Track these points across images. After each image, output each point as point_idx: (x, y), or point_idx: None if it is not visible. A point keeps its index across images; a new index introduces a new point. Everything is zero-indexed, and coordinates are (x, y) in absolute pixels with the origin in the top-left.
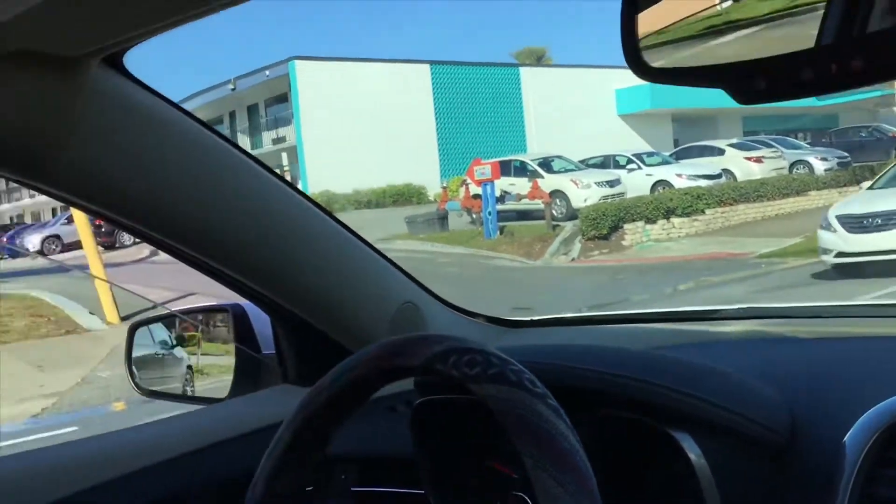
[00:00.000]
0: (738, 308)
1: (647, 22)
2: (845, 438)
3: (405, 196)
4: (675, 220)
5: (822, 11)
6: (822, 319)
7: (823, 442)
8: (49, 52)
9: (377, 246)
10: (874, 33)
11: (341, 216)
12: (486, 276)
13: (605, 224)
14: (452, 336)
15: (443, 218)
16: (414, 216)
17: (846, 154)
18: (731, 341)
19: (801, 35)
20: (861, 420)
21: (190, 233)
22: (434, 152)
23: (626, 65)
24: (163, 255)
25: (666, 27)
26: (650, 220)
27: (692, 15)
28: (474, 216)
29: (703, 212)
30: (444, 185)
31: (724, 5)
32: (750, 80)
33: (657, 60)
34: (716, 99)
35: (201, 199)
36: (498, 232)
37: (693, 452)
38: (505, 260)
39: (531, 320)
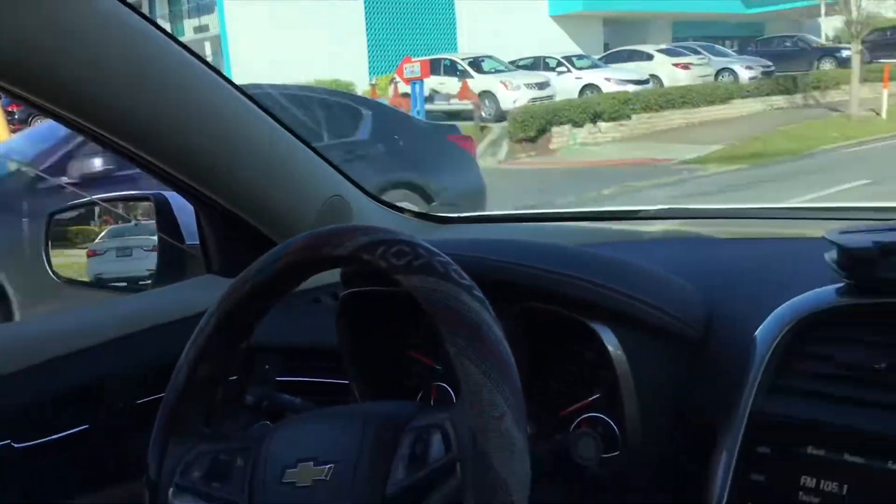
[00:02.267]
0: (660, 208)
1: None
2: (756, 332)
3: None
4: (602, 125)
5: None
6: (741, 221)
7: (736, 335)
8: None
9: None
10: None
11: None
12: None
13: (533, 126)
14: (381, 227)
15: None
16: None
17: (770, 63)
18: (653, 240)
19: None
20: (772, 315)
21: (113, 118)
22: (363, 48)
23: None
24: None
25: None
26: (577, 124)
27: None
28: None
29: (629, 117)
30: (373, 82)
31: None
32: None
33: None
34: (647, 3)
35: (124, 83)
36: None
37: (611, 344)
38: None
39: (459, 217)
